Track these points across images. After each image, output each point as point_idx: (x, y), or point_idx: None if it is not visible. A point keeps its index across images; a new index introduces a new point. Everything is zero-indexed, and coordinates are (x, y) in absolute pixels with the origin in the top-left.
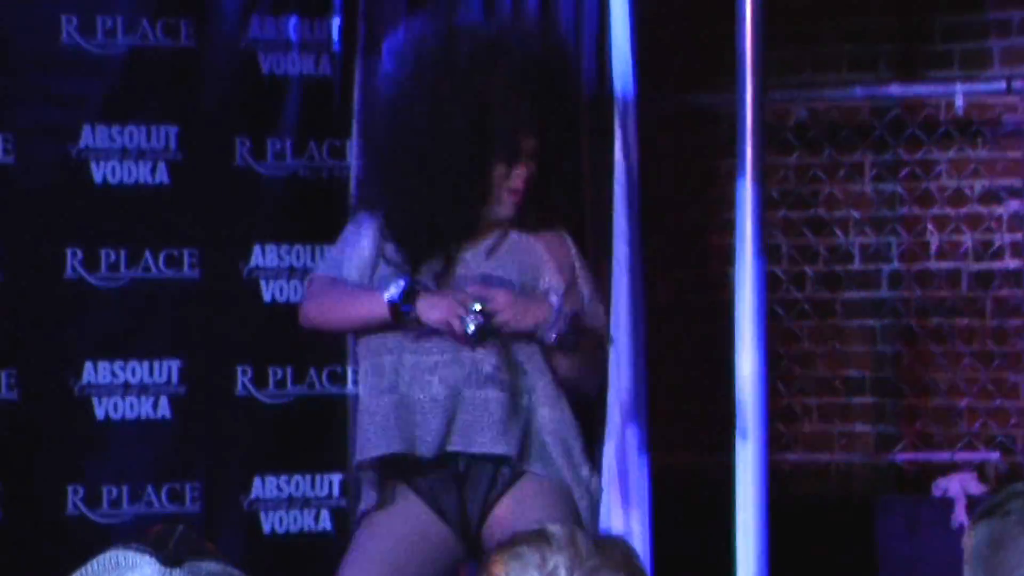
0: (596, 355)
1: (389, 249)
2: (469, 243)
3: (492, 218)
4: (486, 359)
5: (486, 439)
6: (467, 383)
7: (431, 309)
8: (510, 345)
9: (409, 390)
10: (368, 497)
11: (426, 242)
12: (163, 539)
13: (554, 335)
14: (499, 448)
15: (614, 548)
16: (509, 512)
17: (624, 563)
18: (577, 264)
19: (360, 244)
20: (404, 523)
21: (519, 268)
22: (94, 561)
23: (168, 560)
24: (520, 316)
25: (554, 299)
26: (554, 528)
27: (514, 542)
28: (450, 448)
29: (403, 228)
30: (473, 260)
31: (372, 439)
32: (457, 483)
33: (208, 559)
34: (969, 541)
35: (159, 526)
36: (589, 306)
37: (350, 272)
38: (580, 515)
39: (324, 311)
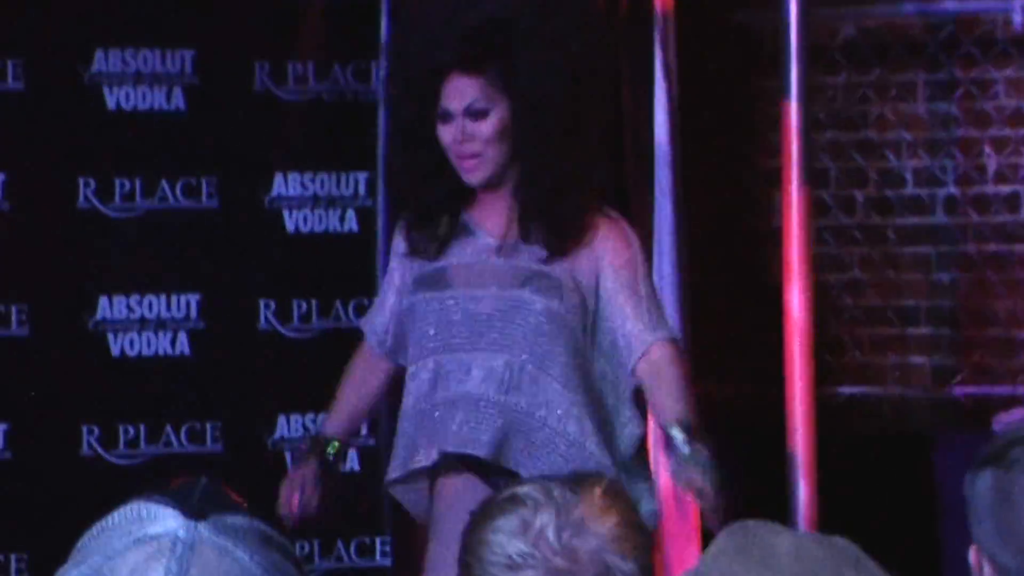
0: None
1: (399, 244)
2: (471, 220)
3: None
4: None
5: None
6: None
7: None
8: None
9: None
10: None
11: (416, 219)
12: (187, 490)
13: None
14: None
15: (594, 488)
16: None
17: (610, 503)
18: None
19: (388, 287)
20: (473, 502)
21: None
22: (115, 513)
23: (192, 513)
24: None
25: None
26: (523, 488)
27: (487, 515)
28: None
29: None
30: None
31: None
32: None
33: (234, 512)
34: (971, 490)
35: (182, 477)
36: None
37: (371, 333)
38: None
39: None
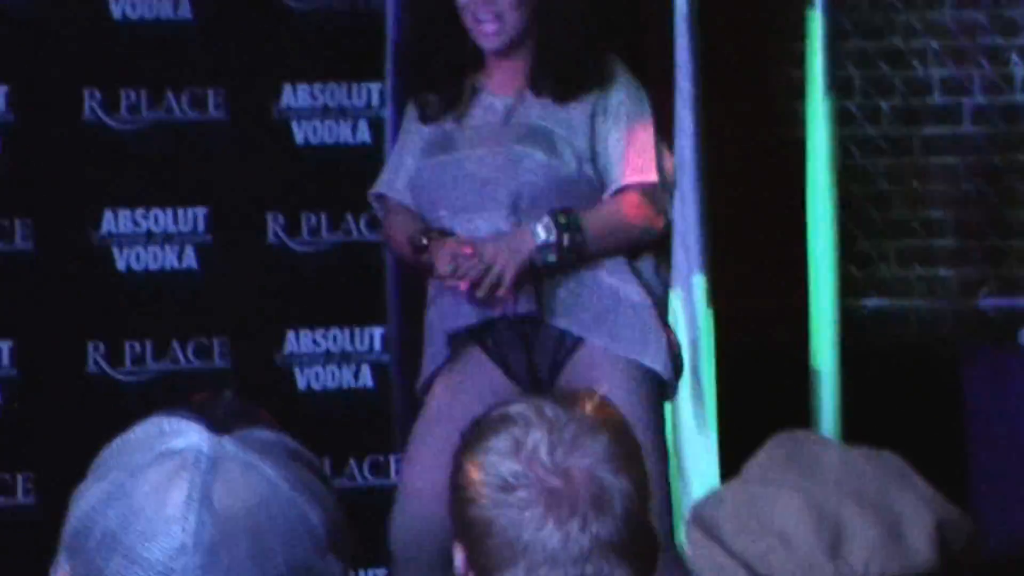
0: (646, 209)
1: (411, 110)
2: (482, 87)
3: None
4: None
5: (556, 311)
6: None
7: (436, 260)
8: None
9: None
10: (437, 355)
11: (426, 82)
12: (211, 405)
13: (553, 257)
14: (563, 323)
15: (584, 404)
16: (579, 374)
17: (601, 417)
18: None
19: (403, 150)
20: (475, 383)
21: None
22: (137, 428)
23: (217, 426)
24: (509, 260)
25: (537, 227)
26: (514, 407)
27: (479, 435)
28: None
29: (411, 71)
30: (489, 110)
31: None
32: (524, 342)
33: (259, 426)
34: None
35: (204, 393)
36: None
37: (393, 193)
38: (647, 392)
39: (389, 241)
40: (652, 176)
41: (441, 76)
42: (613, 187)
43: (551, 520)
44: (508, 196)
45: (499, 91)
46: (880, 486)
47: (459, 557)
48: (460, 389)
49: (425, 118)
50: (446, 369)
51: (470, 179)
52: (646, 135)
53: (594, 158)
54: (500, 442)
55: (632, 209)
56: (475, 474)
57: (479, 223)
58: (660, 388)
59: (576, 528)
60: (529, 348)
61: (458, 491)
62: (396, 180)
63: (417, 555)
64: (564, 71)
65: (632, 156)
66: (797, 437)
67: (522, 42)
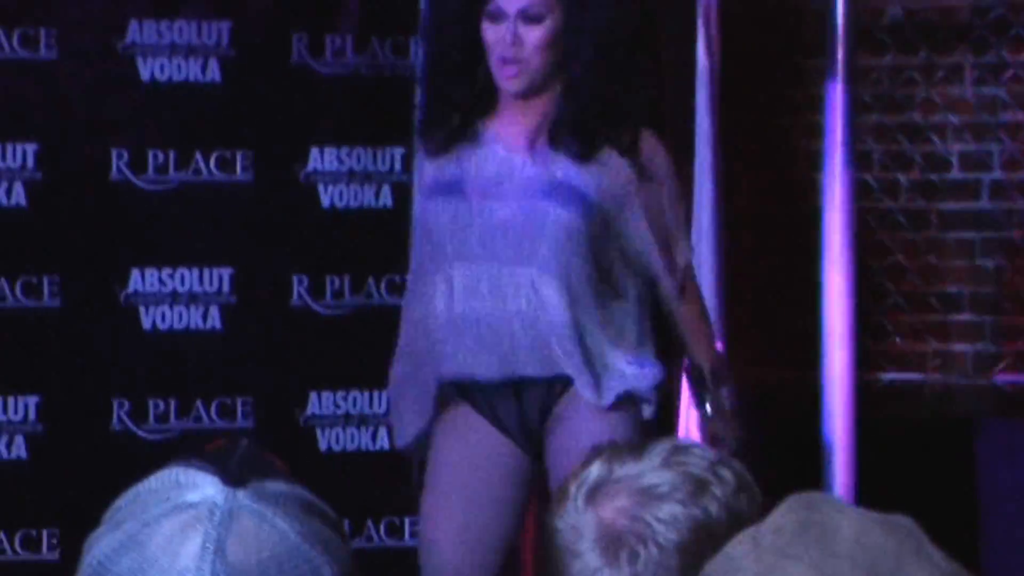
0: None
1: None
2: (500, 130)
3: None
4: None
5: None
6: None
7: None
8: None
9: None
10: (423, 412)
11: (434, 118)
12: (226, 455)
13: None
14: (552, 371)
15: (653, 450)
16: (567, 421)
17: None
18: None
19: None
20: (467, 445)
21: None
22: (152, 478)
23: (232, 480)
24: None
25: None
26: (592, 469)
27: (559, 498)
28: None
29: (421, 107)
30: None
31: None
32: (514, 394)
33: (274, 478)
34: None
35: (220, 440)
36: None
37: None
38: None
39: None
40: (690, 256)
41: (450, 112)
42: (674, 279)
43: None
44: (532, 251)
45: (514, 141)
46: (896, 561)
47: None
48: (452, 455)
49: (429, 153)
50: (440, 430)
51: (488, 231)
52: (684, 212)
53: (626, 226)
54: (573, 483)
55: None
56: (553, 513)
57: (493, 271)
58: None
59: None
60: (519, 399)
61: (546, 551)
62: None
63: None
64: (585, 125)
65: (681, 240)
66: (812, 501)
67: (543, 89)
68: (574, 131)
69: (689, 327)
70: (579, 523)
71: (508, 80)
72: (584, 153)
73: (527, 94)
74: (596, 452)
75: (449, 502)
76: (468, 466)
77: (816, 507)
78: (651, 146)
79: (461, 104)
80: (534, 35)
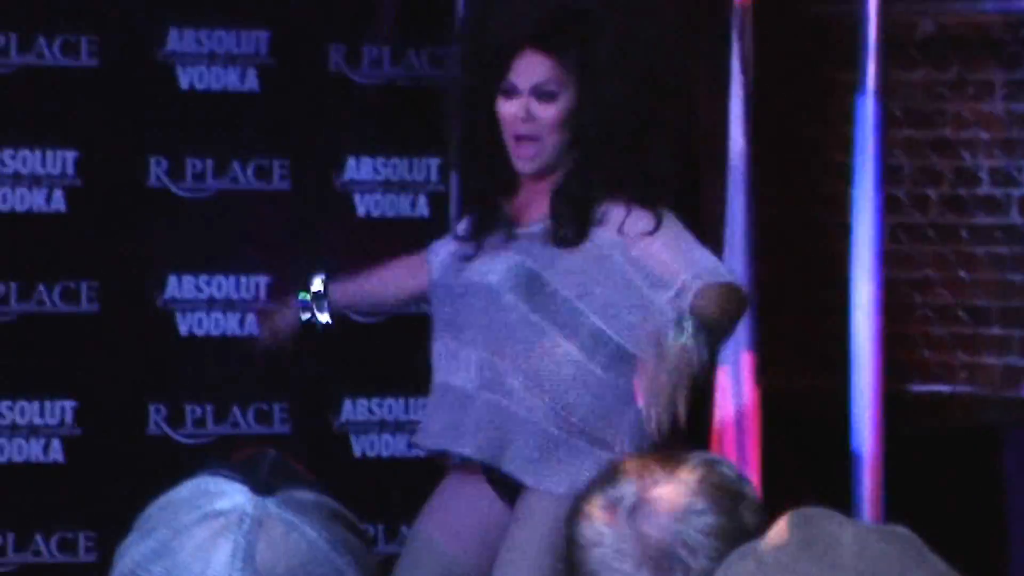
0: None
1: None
2: (517, 210)
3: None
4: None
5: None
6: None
7: None
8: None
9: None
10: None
11: (469, 201)
12: (254, 465)
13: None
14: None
15: (683, 466)
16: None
17: (695, 483)
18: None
19: (449, 239)
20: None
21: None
22: (182, 487)
23: (260, 489)
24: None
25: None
26: (620, 466)
27: (587, 494)
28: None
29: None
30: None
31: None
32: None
33: (302, 487)
34: None
35: (249, 449)
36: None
37: (430, 252)
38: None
39: None
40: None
41: (478, 197)
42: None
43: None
44: (483, 334)
45: (526, 218)
46: (900, 571)
47: None
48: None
49: (459, 237)
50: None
51: (460, 306)
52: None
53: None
54: (596, 500)
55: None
56: (572, 531)
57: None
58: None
59: None
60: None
61: (569, 545)
62: (439, 247)
63: None
64: (584, 203)
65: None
66: (812, 517)
67: (556, 167)
68: (574, 212)
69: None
70: (622, 542)
71: (522, 160)
72: (566, 241)
73: (542, 174)
74: (617, 467)
75: (432, 541)
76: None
77: (816, 522)
78: (618, 214)
79: (490, 189)
80: (547, 112)
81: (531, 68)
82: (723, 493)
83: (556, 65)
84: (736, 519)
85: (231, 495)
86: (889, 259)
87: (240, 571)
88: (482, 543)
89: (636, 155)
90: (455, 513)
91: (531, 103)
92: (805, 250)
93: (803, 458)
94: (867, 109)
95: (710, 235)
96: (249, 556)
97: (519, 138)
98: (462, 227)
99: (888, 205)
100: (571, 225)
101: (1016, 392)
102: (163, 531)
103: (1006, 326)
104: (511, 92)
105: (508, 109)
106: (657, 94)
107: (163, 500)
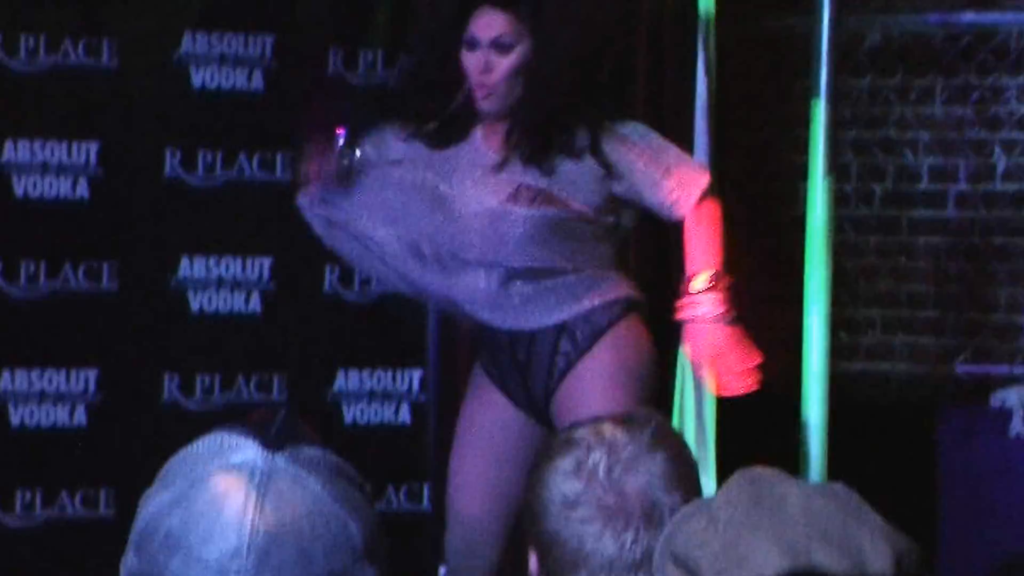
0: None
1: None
2: (477, 134)
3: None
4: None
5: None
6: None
7: None
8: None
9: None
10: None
11: (432, 109)
12: (266, 424)
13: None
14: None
15: (645, 426)
16: (568, 399)
17: (660, 439)
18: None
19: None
20: (484, 415)
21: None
22: (199, 442)
23: (270, 444)
24: None
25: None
26: (578, 431)
27: (546, 456)
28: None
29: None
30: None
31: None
32: (518, 370)
33: (308, 444)
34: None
35: (262, 410)
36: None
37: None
38: (647, 392)
39: None
40: (707, 176)
41: (443, 107)
42: (687, 201)
43: (608, 533)
44: (485, 252)
45: (493, 146)
46: (842, 523)
47: (532, 561)
48: (474, 421)
49: (415, 135)
50: (467, 395)
51: (461, 229)
52: (673, 147)
53: (620, 184)
54: (564, 463)
55: (713, 217)
56: (543, 492)
57: (464, 274)
58: (650, 381)
59: (630, 539)
60: (524, 374)
61: (530, 506)
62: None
63: (469, 563)
64: (535, 141)
65: (683, 168)
66: (757, 476)
67: (518, 108)
68: (528, 145)
69: (688, 235)
70: (603, 501)
71: (483, 101)
72: (534, 161)
73: (500, 115)
74: (570, 435)
75: (475, 459)
76: (480, 431)
77: (762, 481)
78: (610, 133)
79: (450, 114)
80: (504, 63)
81: (489, 23)
82: (679, 442)
83: (512, 19)
84: (692, 465)
85: (244, 450)
86: (837, 249)
87: (251, 520)
88: (515, 459)
89: (585, 89)
90: (488, 441)
91: (490, 55)
92: (763, 240)
93: (759, 426)
94: (819, 113)
95: (673, 226)
96: (260, 506)
97: (481, 86)
98: (411, 131)
99: (837, 200)
100: (528, 146)
101: (950, 370)
102: (181, 482)
103: (942, 310)
104: (472, 44)
105: (470, 61)
106: (602, 39)
107: (183, 453)
